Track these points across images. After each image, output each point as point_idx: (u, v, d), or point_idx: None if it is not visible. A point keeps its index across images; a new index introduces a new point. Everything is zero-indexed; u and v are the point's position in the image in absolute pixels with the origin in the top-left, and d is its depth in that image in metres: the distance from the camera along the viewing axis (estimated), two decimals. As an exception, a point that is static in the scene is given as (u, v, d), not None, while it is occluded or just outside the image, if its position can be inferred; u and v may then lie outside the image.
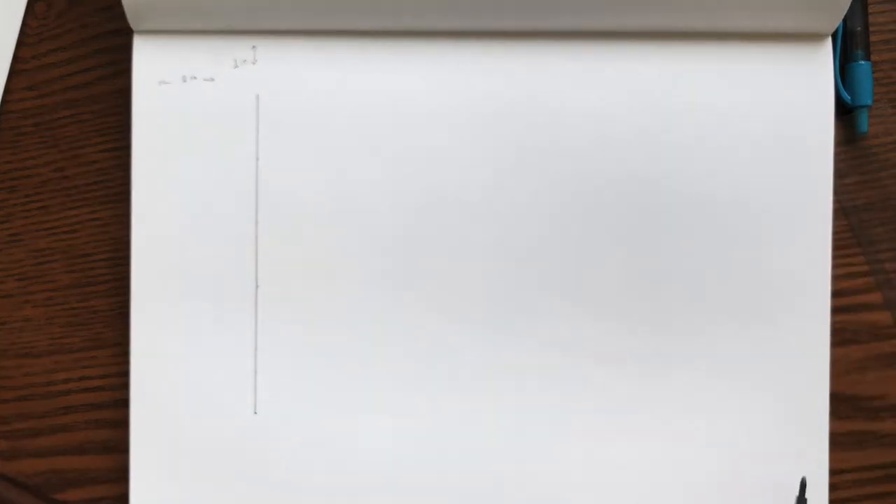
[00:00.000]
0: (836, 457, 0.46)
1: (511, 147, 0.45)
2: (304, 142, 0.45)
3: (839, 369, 0.46)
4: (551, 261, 0.45)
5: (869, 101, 0.46)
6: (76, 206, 0.47)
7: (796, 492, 0.45)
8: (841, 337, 0.46)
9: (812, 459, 0.45)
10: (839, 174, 0.46)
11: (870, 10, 0.47)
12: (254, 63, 0.45)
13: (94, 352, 0.47)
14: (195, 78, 0.45)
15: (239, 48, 0.45)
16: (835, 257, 0.45)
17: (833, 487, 0.45)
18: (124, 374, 0.45)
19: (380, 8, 0.44)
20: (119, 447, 0.46)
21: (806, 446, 0.45)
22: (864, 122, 0.46)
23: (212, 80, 0.45)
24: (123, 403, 0.45)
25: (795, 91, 0.45)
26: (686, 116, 0.45)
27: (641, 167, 0.45)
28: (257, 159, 0.45)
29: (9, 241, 0.47)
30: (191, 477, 0.45)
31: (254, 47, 0.45)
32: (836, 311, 0.46)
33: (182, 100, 0.45)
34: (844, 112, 0.46)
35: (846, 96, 0.46)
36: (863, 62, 0.46)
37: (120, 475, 0.46)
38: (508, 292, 0.45)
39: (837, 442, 0.46)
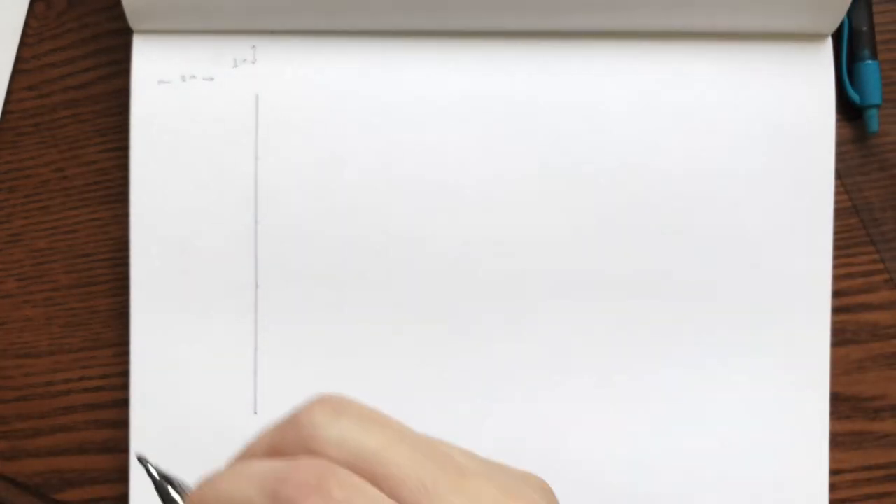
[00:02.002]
0: (835, 457, 0.46)
1: (511, 147, 0.45)
2: (304, 142, 0.45)
3: (839, 369, 0.46)
4: (552, 259, 0.45)
5: (878, 101, 0.45)
6: (76, 207, 0.47)
7: (796, 492, 0.45)
8: (841, 337, 0.46)
9: (812, 459, 0.45)
10: (848, 173, 0.46)
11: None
12: (253, 63, 0.45)
13: (94, 352, 0.47)
14: (195, 77, 0.45)
15: (239, 48, 0.45)
16: (835, 257, 0.45)
17: (833, 487, 0.45)
18: (124, 374, 0.45)
19: (380, 8, 0.44)
20: (119, 447, 0.46)
21: (806, 446, 0.45)
22: (873, 122, 0.46)
23: (211, 79, 0.45)
24: (123, 403, 0.45)
25: (796, 91, 0.45)
26: (686, 116, 0.45)
27: (641, 166, 0.45)
28: (257, 159, 0.45)
29: (9, 242, 0.47)
30: (191, 477, 0.45)
31: (254, 47, 0.45)
32: (836, 311, 0.46)
33: (181, 99, 0.45)
34: (855, 115, 0.46)
35: (855, 96, 0.45)
36: (870, 61, 0.46)
37: (120, 475, 0.46)
38: (509, 291, 0.45)
39: (837, 442, 0.46)
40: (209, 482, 0.23)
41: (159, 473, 0.27)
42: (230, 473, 0.23)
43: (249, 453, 0.24)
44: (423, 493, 0.21)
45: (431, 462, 0.21)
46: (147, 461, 0.27)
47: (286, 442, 0.23)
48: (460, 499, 0.21)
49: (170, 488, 0.27)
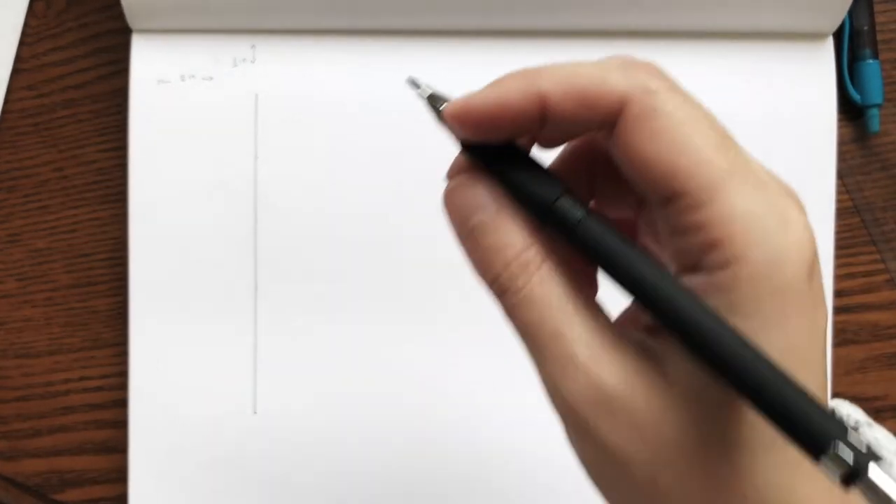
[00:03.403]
0: (836, 457, 0.46)
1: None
2: (303, 141, 0.45)
3: (840, 369, 0.46)
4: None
5: (879, 100, 0.45)
6: (75, 206, 0.47)
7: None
8: (841, 337, 0.46)
9: (813, 460, 0.45)
10: (849, 173, 0.46)
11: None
12: (253, 62, 0.45)
13: (93, 352, 0.47)
14: (194, 77, 0.45)
15: (238, 47, 0.45)
16: (836, 257, 0.45)
17: (834, 488, 0.45)
18: (124, 375, 0.45)
19: (379, 7, 0.43)
20: (118, 447, 0.46)
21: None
22: (874, 122, 0.46)
23: (210, 79, 0.45)
24: (123, 403, 0.45)
25: (797, 90, 0.45)
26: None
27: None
28: (256, 158, 0.45)
29: (8, 241, 0.47)
30: (190, 477, 0.45)
31: (253, 46, 0.45)
32: (836, 311, 0.46)
33: (181, 99, 0.45)
34: (857, 115, 0.46)
35: (856, 95, 0.45)
36: (871, 61, 0.46)
37: (119, 475, 0.46)
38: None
39: (838, 442, 0.46)
40: (560, 65, 0.26)
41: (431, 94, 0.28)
42: (573, 62, 0.26)
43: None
44: (710, 144, 0.23)
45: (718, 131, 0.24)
46: (418, 82, 0.28)
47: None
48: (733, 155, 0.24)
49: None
